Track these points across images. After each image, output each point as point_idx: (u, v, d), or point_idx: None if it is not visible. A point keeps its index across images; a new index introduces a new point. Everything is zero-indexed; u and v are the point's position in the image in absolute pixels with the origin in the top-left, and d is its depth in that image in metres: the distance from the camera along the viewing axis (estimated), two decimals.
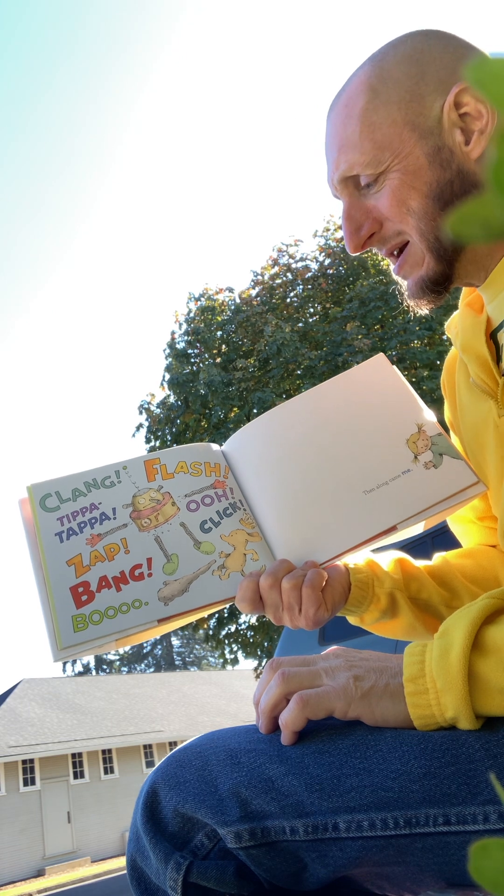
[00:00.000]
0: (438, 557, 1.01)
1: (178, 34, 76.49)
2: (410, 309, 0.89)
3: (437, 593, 0.94)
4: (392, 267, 0.88)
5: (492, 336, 0.85)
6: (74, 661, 39.95)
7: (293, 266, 14.01)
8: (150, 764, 21.22)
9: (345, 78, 0.87)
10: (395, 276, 0.89)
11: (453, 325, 0.94)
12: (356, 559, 0.93)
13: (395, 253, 0.86)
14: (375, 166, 0.81)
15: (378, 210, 0.84)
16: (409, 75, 0.81)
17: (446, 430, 1.02)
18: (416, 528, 0.91)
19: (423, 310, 0.88)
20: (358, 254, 0.87)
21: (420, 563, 0.98)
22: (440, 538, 3.04)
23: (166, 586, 0.85)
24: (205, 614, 0.88)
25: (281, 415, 0.98)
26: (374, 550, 0.94)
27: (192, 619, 0.86)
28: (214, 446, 0.99)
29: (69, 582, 0.85)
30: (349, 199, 0.85)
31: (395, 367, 0.99)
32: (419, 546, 3.25)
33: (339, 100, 0.85)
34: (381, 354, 1.01)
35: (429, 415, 0.93)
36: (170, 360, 13.80)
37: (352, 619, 0.95)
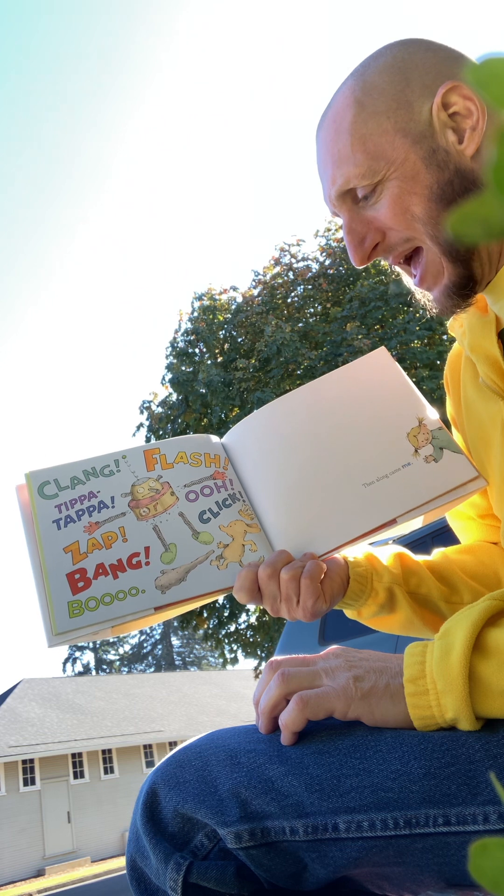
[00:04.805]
0: (438, 553, 1.02)
1: (181, 33, 76.56)
2: (431, 311, 0.88)
3: (437, 588, 0.94)
4: (411, 280, 0.87)
5: (500, 336, 0.85)
6: (74, 661, 39.98)
7: (294, 266, 14.02)
8: (150, 764, 21.21)
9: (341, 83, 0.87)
10: (413, 288, 0.88)
11: (457, 324, 0.94)
12: (355, 553, 0.93)
13: (403, 260, 0.86)
14: (371, 176, 0.81)
15: (379, 220, 0.83)
16: (393, 83, 0.81)
17: (448, 426, 1.02)
18: (416, 523, 0.91)
19: (450, 318, 0.87)
20: (364, 266, 0.87)
21: (420, 559, 0.98)
22: (440, 538, 3.04)
23: (164, 575, 0.85)
24: (202, 603, 0.88)
25: (281, 407, 0.98)
26: (373, 544, 0.95)
27: (189, 607, 0.86)
28: (214, 438, 1.00)
29: (66, 568, 0.85)
30: (349, 213, 0.85)
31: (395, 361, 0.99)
32: (419, 546, 3.25)
33: (327, 117, 0.85)
34: (383, 348, 1.01)
35: (429, 409, 0.93)
36: (171, 359, 13.81)
37: (349, 613, 0.95)
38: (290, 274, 13.99)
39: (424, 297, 0.88)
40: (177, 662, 43.99)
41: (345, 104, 0.83)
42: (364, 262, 0.85)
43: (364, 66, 0.84)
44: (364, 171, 0.81)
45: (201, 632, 13.41)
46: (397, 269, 0.89)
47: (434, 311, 0.86)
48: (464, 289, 0.82)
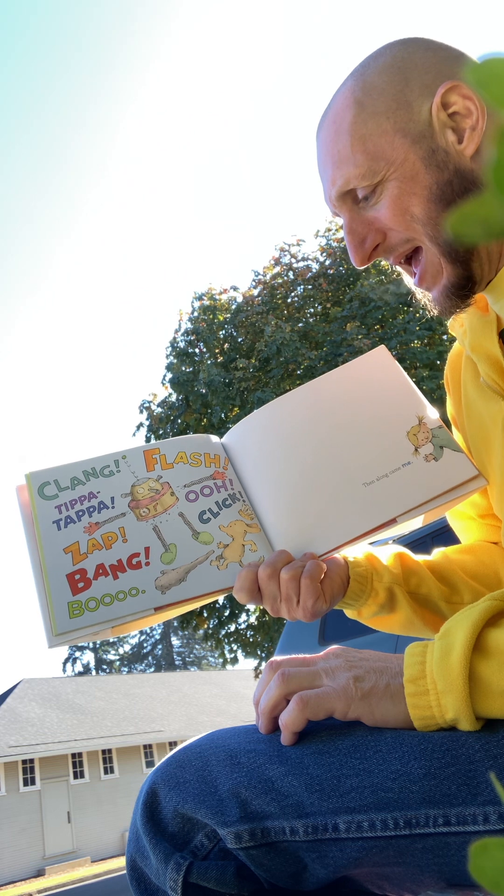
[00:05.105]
0: (438, 553, 1.02)
1: (179, 30, 76.57)
2: (430, 311, 0.88)
3: (437, 588, 0.94)
4: (411, 280, 0.87)
5: (501, 336, 0.85)
6: (74, 661, 39.98)
7: (294, 266, 14.02)
8: (150, 764, 21.21)
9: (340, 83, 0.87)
10: (413, 288, 0.88)
11: (458, 324, 0.94)
12: (356, 553, 0.93)
13: (404, 260, 0.86)
14: (371, 177, 0.81)
15: (380, 221, 0.83)
16: (392, 83, 0.81)
17: (448, 426, 1.02)
18: (416, 522, 0.91)
19: (447, 318, 0.87)
20: (364, 267, 0.87)
21: (420, 558, 0.98)
22: (440, 538, 3.04)
23: (164, 575, 0.85)
24: (202, 604, 0.88)
25: (281, 407, 0.98)
26: (372, 544, 0.95)
27: (189, 608, 0.86)
28: (214, 438, 1.00)
29: (66, 569, 0.85)
30: (349, 214, 0.85)
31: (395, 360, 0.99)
32: (419, 546, 3.25)
33: (327, 118, 0.85)
34: (382, 347, 1.01)
35: (429, 407, 0.93)
36: (171, 358, 13.82)
37: (349, 613, 0.95)
38: (290, 274, 13.98)
39: (425, 297, 0.88)
40: (177, 662, 44.00)
41: (344, 104, 0.83)
42: (365, 262, 0.85)
43: (364, 67, 0.84)
44: (364, 171, 0.81)
45: (201, 632, 13.41)
46: (398, 269, 0.89)
47: (434, 311, 0.86)
48: (463, 289, 0.82)
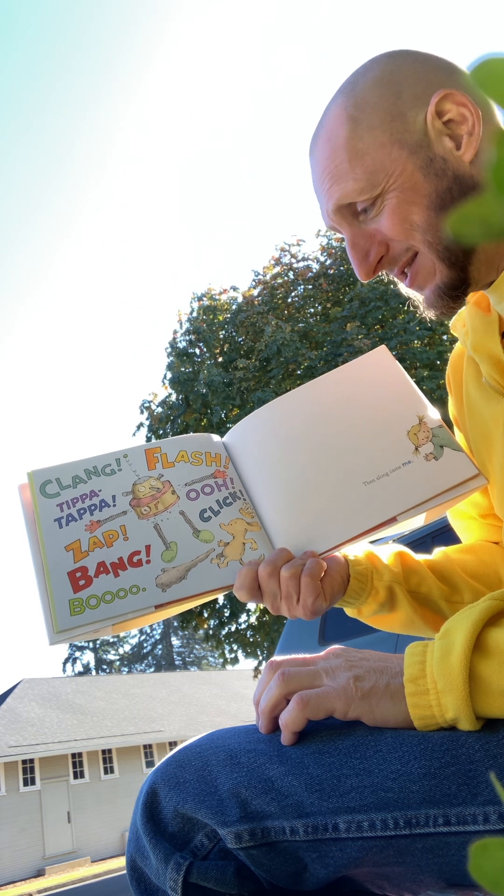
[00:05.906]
0: (439, 552, 1.02)
1: (181, 28, 76.57)
2: (423, 315, 0.87)
3: (437, 588, 0.94)
4: (402, 283, 0.87)
5: (503, 336, 0.85)
6: (74, 661, 40.00)
7: (295, 266, 14.02)
8: (150, 764, 21.22)
9: (341, 83, 0.87)
10: (405, 291, 0.88)
11: (459, 324, 0.94)
12: (356, 551, 0.93)
13: (405, 271, 0.85)
14: (371, 190, 0.81)
15: (381, 232, 0.83)
16: (384, 97, 0.81)
17: (450, 426, 1.02)
18: (417, 521, 0.92)
19: (442, 318, 0.87)
20: (370, 280, 0.87)
21: (420, 558, 0.98)
22: (440, 538, 3.04)
23: (164, 573, 0.85)
24: (202, 602, 0.89)
25: (282, 406, 0.98)
26: (373, 543, 0.95)
27: (190, 605, 0.87)
28: (215, 437, 1.00)
29: (67, 567, 0.85)
30: (350, 228, 0.85)
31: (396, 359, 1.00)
32: (420, 545, 3.25)
33: (320, 135, 0.85)
34: (383, 347, 1.01)
35: (430, 407, 0.94)
36: (171, 358, 13.83)
37: (349, 612, 0.95)
38: (291, 274, 13.98)
39: (417, 300, 0.88)
40: (177, 662, 44.01)
41: (338, 121, 0.83)
42: (370, 275, 0.85)
43: (353, 83, 0.84)
44: (363, 185, 0.81)
45: (201, 632, 13.41)
46: (396, 279, 0.89)
47: (427, 312, 0.86)
48: (456, 289, 0.82)
